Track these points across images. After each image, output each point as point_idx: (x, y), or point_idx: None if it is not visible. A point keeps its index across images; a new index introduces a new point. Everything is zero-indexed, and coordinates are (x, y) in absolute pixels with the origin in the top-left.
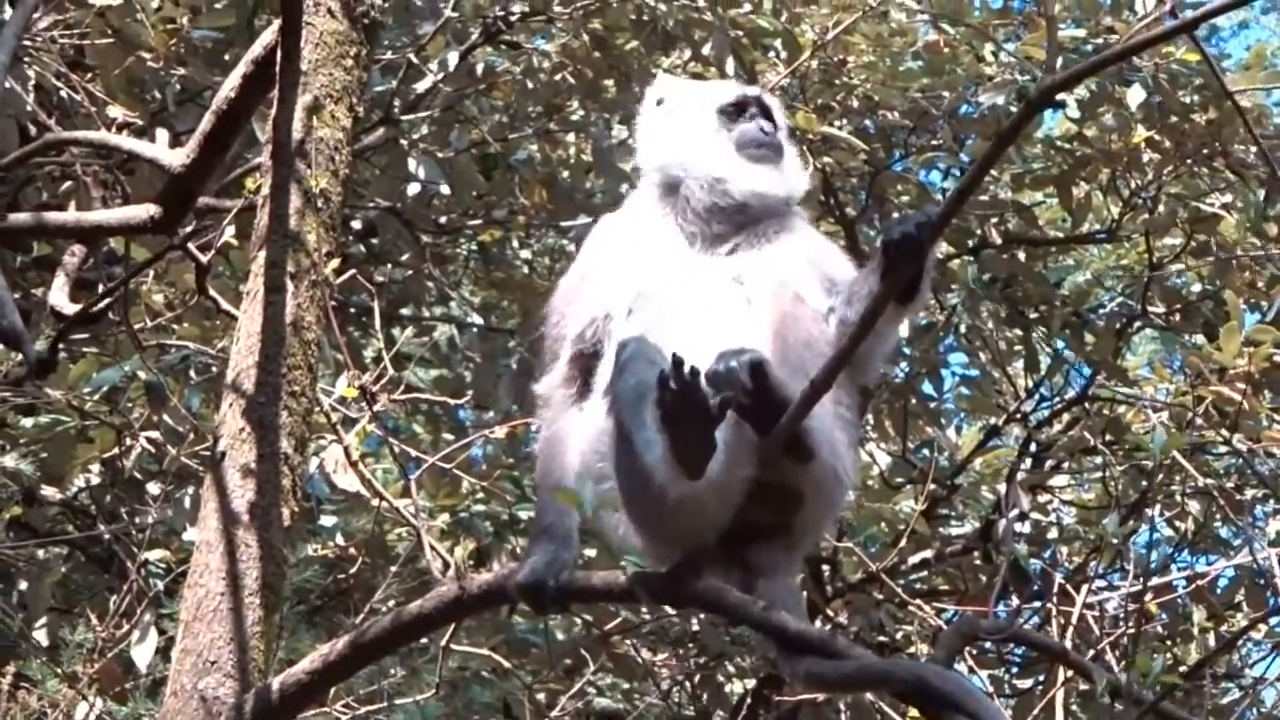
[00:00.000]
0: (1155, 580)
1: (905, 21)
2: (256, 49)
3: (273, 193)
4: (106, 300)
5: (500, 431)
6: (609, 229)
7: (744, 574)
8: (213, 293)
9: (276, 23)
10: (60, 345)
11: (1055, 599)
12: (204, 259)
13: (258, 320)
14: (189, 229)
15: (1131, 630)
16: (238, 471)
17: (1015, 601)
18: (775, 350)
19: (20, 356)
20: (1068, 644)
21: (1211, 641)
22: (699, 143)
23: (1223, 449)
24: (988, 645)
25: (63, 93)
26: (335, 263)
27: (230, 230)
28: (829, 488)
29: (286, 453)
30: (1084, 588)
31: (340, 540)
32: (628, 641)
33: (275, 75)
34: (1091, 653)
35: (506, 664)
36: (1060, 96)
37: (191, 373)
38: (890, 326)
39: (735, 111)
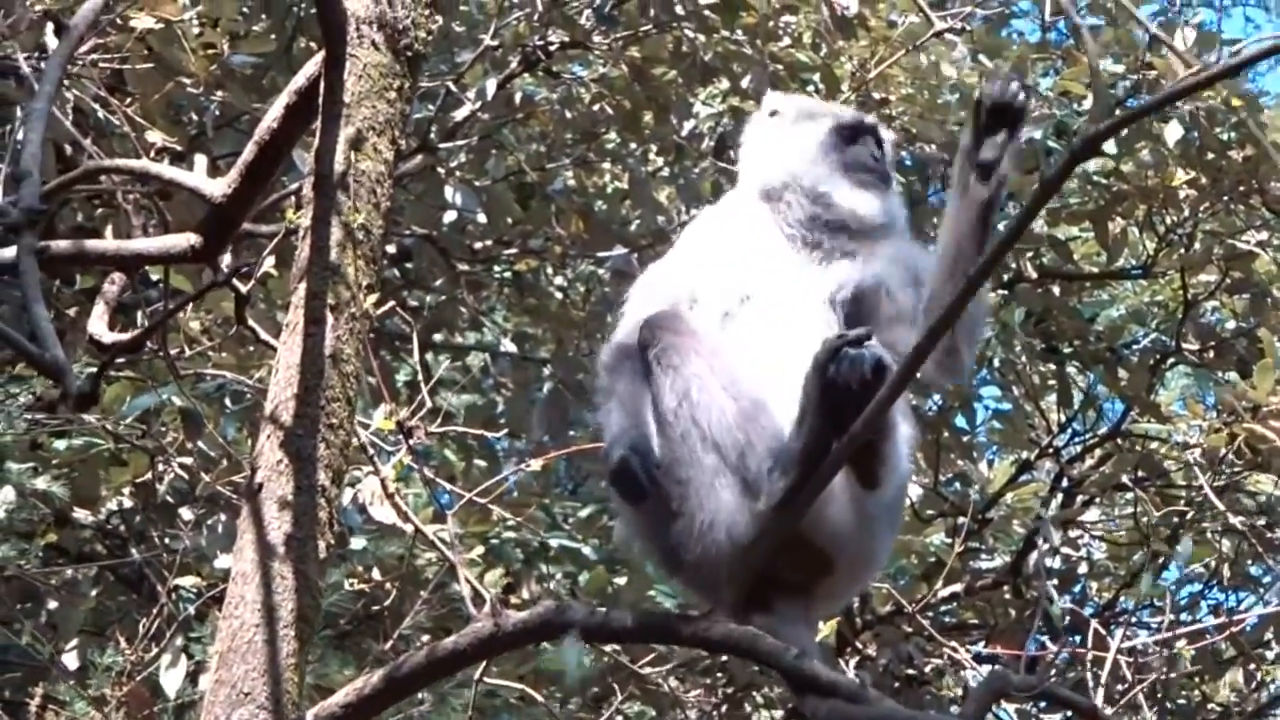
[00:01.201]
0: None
1: (944, 52)
2: (299, 80)
3: (314, 225)
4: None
5: (537, 464)
6: (713, 220)
7: (766, 618)
8: (251, 323)
9: (319, 54)
10: (101, 378)
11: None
12: (243, 289)
13: (297, 352)
14: (232, 265)
15: (1163, 675)
16: (275, 503)
17: (1046, 640)
18: None
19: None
20: (1100, 692)
21: (1240, 679)
22: (810, 156)
23: (1258, 486)
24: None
25: (100, 115)
26: (374, 297)
27: (270, 260)
28: (859, 560)
29: (324, 485)
30: (1119, 633)
31: (373, 570)
32: (656, 672)
33: (318, 107)
34: (1121, 703)
35: (536, 695)
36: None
37: (227, 400)
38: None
39: (851, 134)
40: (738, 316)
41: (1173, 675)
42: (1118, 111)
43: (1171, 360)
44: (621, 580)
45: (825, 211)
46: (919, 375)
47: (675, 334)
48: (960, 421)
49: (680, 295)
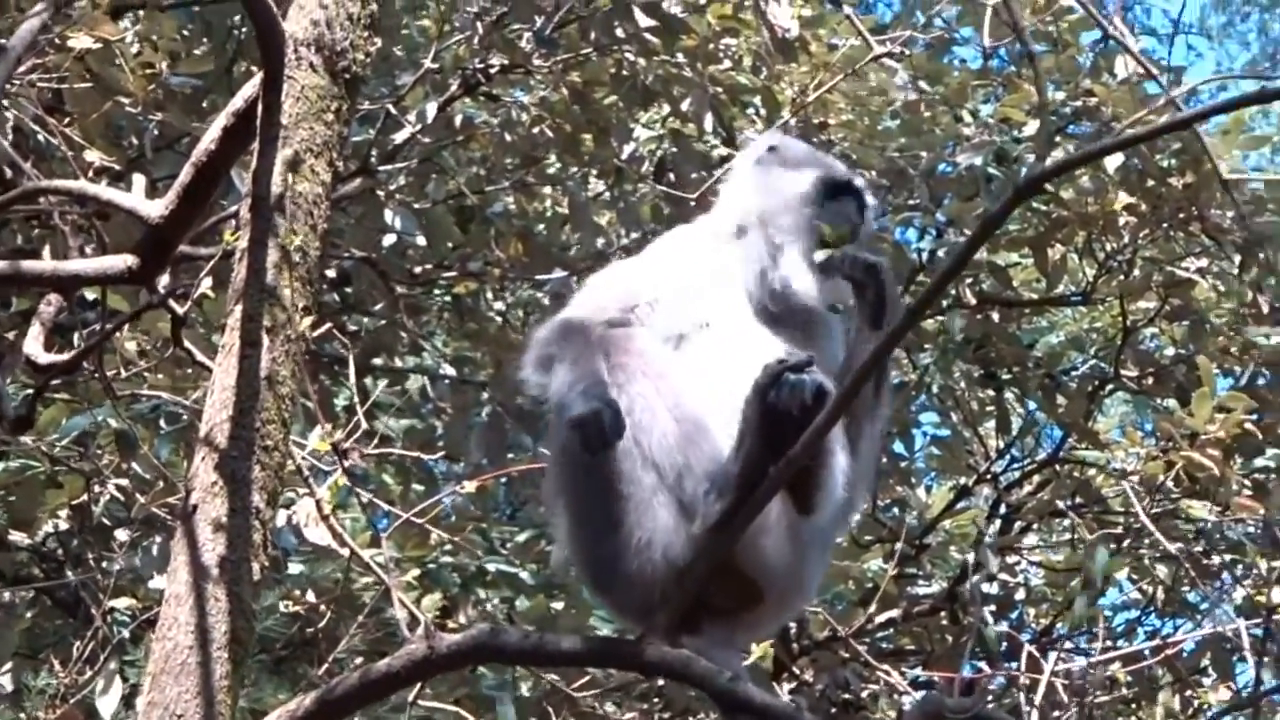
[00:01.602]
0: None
1: (885, 79)
2: (237, 101)
3: (251, 247)
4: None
5: (471, 486)
6: (686, 239)
7: (695, 641)
8: (188, 344)
9: (257, 76)
10: (38, 401)
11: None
12: (180, 310)
13: (232, 374)
14: (169, 285)
15: (1099, 698)
16: (209, 525)
17: (984, 666)
18: None
19: None
20: (1034, 716)
21: (1177, 706)
22: (789, 205)
23: (1193, 513)
24: None
25: (40, 137)
26: (311, 319)
27: (207, 282)
28: (789, 590)
29: (258, 507)
30: (1052, 656)
31: (308, 592)
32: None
33: (255, 128)
34: None
35: (471, 719)
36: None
37: (162, 422)
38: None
39: (835, 190)
40: (693, 341)
41: (1107, 699)
42: (1059, 139)
43: (1110, 387)
44: (559, 605)
45: (772, 268)
46: None
47: (624, 353)
48: (899, 447)
49: (640, 300)
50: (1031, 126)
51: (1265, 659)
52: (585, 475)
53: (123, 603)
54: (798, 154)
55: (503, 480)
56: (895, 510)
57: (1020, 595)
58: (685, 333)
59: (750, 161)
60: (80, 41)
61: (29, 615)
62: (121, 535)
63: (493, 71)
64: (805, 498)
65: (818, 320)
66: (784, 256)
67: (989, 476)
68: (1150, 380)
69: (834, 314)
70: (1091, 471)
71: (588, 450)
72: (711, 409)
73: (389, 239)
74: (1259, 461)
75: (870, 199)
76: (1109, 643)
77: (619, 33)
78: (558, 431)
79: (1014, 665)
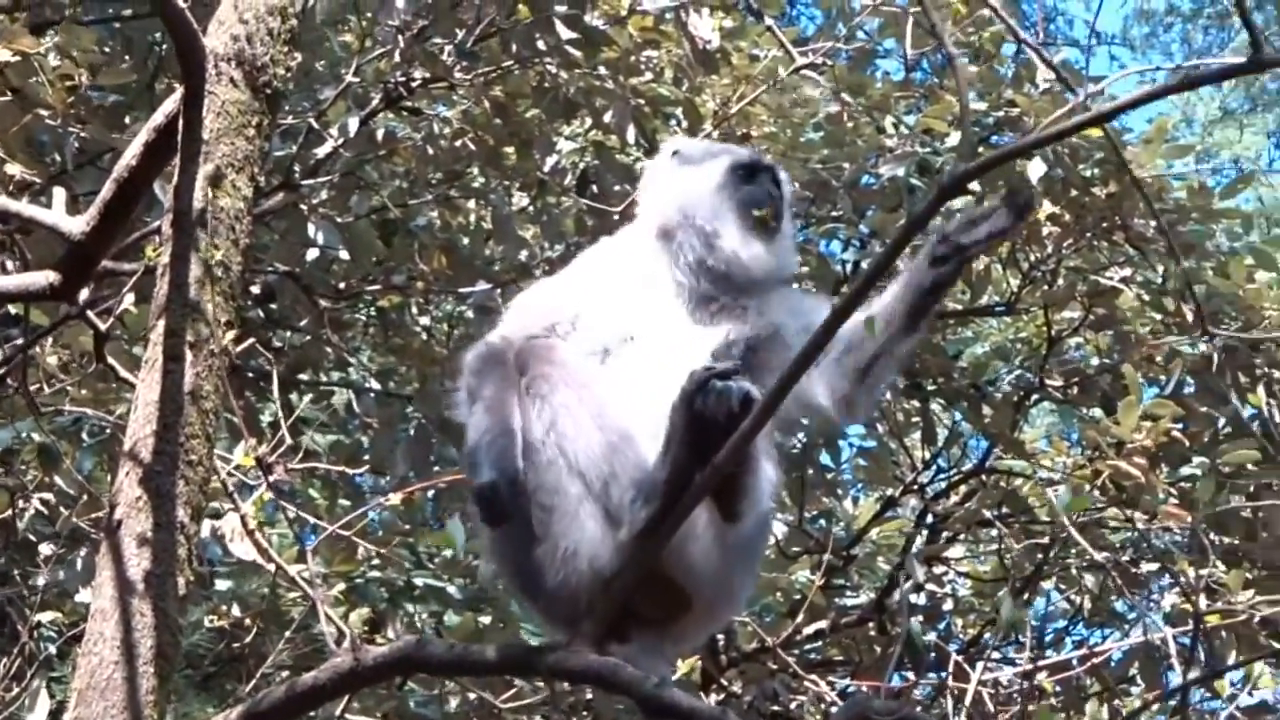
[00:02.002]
0: (1050, 654)
1: (807, 93)
2: (158, 117)
3: (172, 262)
4: (5, 368)
5: (396, 498)
6: (608, 253)
7: (623, 649)
8: (111, 360)
9: (179, 91)
10: None
11: (951, 674)
12: (102, 326)
13: (156, 389)
14: (90, 298)
15: (1026, 708)
16: (134, 540)
17: (911, 675)
18: None
19: None
20: None
21: (1106, 715)
22: (704, 194)
23: (1119, 523)
24: None
25: None
26: (233, 333)
27: (129, 297)
28: (717, 598)
29: (183, 522)
30: (979, 664)
31: (235, 608)
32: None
33: (177, 144)
34: None
35: None
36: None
37: (84, 435)
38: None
39: (747, 174)
40: (618, 355)
41: (1033, 708)
42: (982, 149)
43: (1036, 397)
44: (488, 619)
45: (710, 255)
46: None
47: (547, 364)
48: (825, 459)
49: (562, 318)
50: (954, 137)
51: (1192, 667)
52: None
53: (48, 617)
54: (702, 150)
55: (430, 494)
56: (822, 522)
57: (948, 606)
58: (610, 346)
59: (659, 168)
60: None
61: None
62: (46, 550)
63: (415, 85)
64: (730, 504)
65: (771, 292)
66: (720, 240)
67: (915, 487)
68: (1076, 390)
69: (785, 284)
70: (1018, 481)
71: (488, 524)
72: (637, 417)
73: (312, 253)
74: (1185, 470)
75: (784, 175)
76: (1036, 652)
77: (540, 45)
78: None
79: (942, 675)
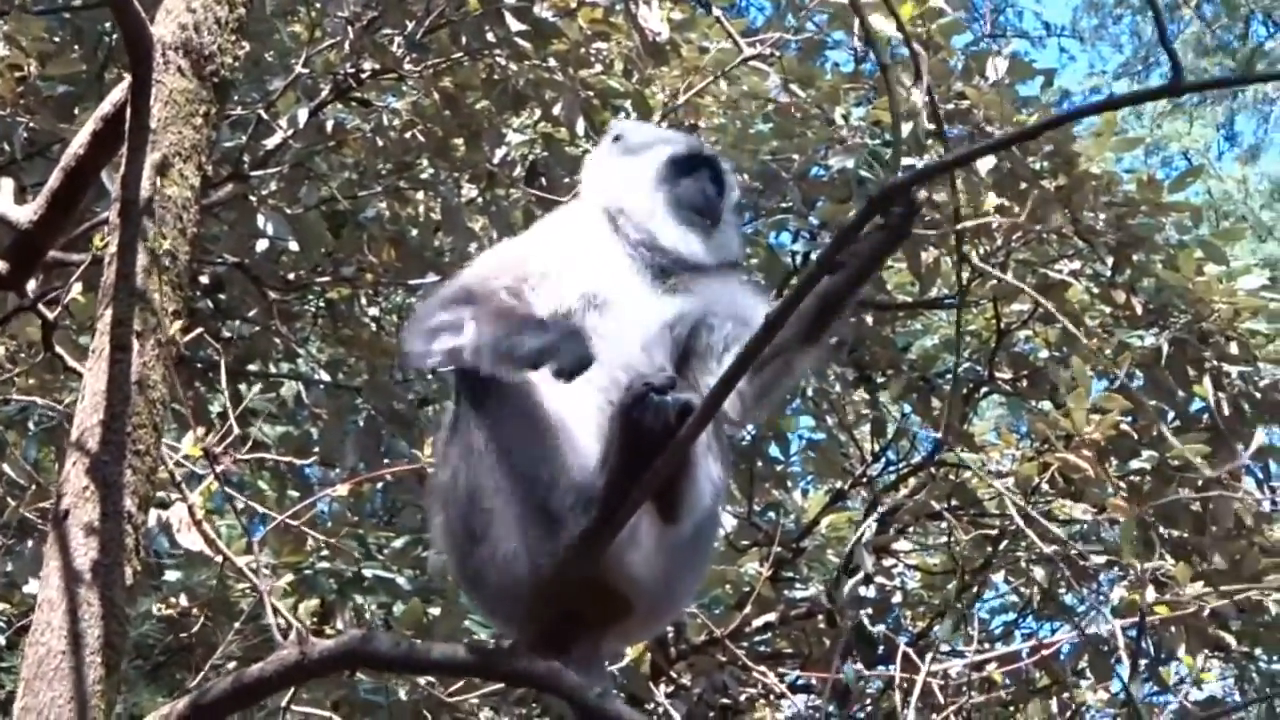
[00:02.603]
0: (999, 646)
1: (756, 82)
2: (106, 106)
3: (120, 251)
4: None
5: (344, 489)
6: (563, 221)
7: (562, 653)
8: (59, 349)
9: (126, 79)
10: None
11: (900, 666)
12: (50, 316)
13: (103, 379)
14: (39, 290)
15: (975, 699)
16: (81, 530)
17: (859, 667)
18: None
19: None
20: (911, 714)
21: (1055, 708)
22: (641, 189)
23: (1068, 515)
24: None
25: None
26: (181, 323)
27: (77, 287)
28: (658, 603)
29: (130, 511)
30: (928, 656)
31: (183, 598)
32: (470, 700)
33: (124, 132)
34: None
35: None
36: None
37: (30, 424)
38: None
39: (685, 166)
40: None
41: (982, 699)
42: (930, 141)
43: (985, 390)
44: (436, 610)
45: (651, 248)
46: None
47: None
48: (774, 451)
49: (530, 273)
50: (905, 128)
51: (1139, 660)
52: (462, 480)
53: None
54: (642, 138)
55: (379, 485)
56: (771, 514)
57: (897, 599)
58: (575, 309)
59: (602, 153)
60: None
61: None
62: None
63: (364, 76)
64: (670, 507)
65: (713, 277)
66: (657, 236)
67: (865, 480)
68: (1025, 382)
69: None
70: (967, 474)
71: (566, 376)
72: (583, 409)
73: (261, 244)
74: (1134, 464)
75: (726, 165)
76: (985, 645)
77: (490, 37)
78: (466, 413)
79: (890, 667)
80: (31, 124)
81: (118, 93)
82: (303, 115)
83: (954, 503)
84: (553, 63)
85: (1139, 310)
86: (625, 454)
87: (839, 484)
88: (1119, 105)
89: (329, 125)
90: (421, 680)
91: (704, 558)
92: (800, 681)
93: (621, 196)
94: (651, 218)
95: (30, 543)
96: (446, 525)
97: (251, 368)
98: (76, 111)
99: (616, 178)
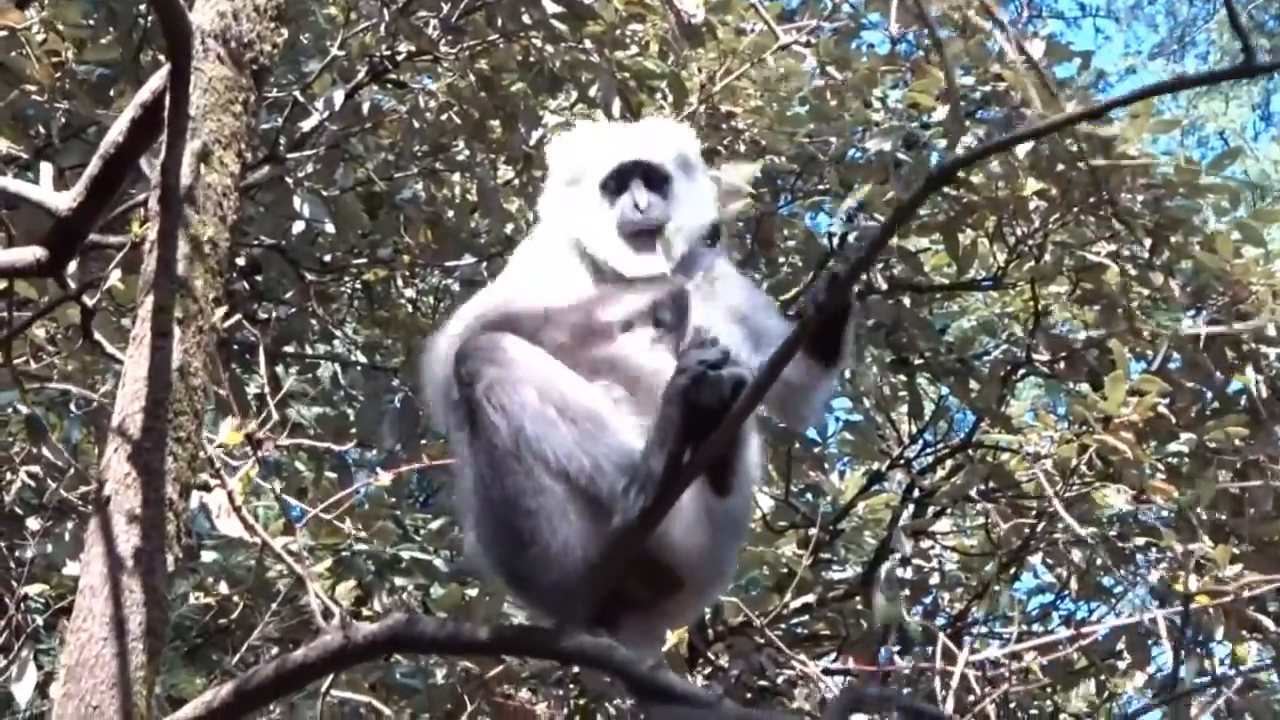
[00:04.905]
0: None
1: (793, 65)
2: (144, 93)
3: (160, 238)
4: None
5: (386, 478)
6: (540, 252)
7: (612, 634)
8: (98, 336)
9: (165, 67)
10: None
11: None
12: (90, 303)
13: (144, 365)
14: (82, 282)
15: (1014, 689)
16: (123, 517)
17: (897, 650)
18: None
19: None
20: (950, 703)
21: (1093, 689)
22: (585, 222)
23: (1105, 500)
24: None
25: None
26: (222, 310)
27: (116, 273)
28: (708, 576)
29: (171, 498)
30: (965, 645)
31: (221, 584)
32: (506, 685)
33: (163, 120)
34: (973, 713)
35: (385, 709)
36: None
37: (72, 406)
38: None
39: (615, 186)
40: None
41: (1022, 688)
42: (969, 123)
43: (1022, 371)
44: (474, 592)
45: (615, 277)
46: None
47: (497, 366)
48: (811, 433)
49: (533, 313)
50: (941, 112)
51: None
52: (494, 490)
53: (36, 590)
54: (577, 164)
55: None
56: (809, 496)
57: (935, 581)
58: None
59: (550, 186)
60: None
61: None
62: (34, 523)
63: (400, 58)
64: (722, 480)
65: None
66: (615, 265)
67: (902, 462)
68: (1062, 364)
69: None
70: (1004, 456)
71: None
72: (602, 398)
73: (298, 226)
74: (1173, 446)
75: (657, 154)
76: (1024, 629)
77: (526, 19)
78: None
79: (931, 652)
80: (69, 108)
81: (156, 80)
82: (339, 97)
83: (991, 485)
84: (589, 44)
85: (1177, 293)
86: (682, 433)
87: (876, 466)
88: (1189, 85)
89: (365, 107)
90: (460, 667)
91: (744, 530)
92: (836, 666)
93: (575, 229)
94: (604, 249)
95: (70, 525)
96: (485, 534)
97: (288, 349)
98: (113, 95)
99: (564, 212)
